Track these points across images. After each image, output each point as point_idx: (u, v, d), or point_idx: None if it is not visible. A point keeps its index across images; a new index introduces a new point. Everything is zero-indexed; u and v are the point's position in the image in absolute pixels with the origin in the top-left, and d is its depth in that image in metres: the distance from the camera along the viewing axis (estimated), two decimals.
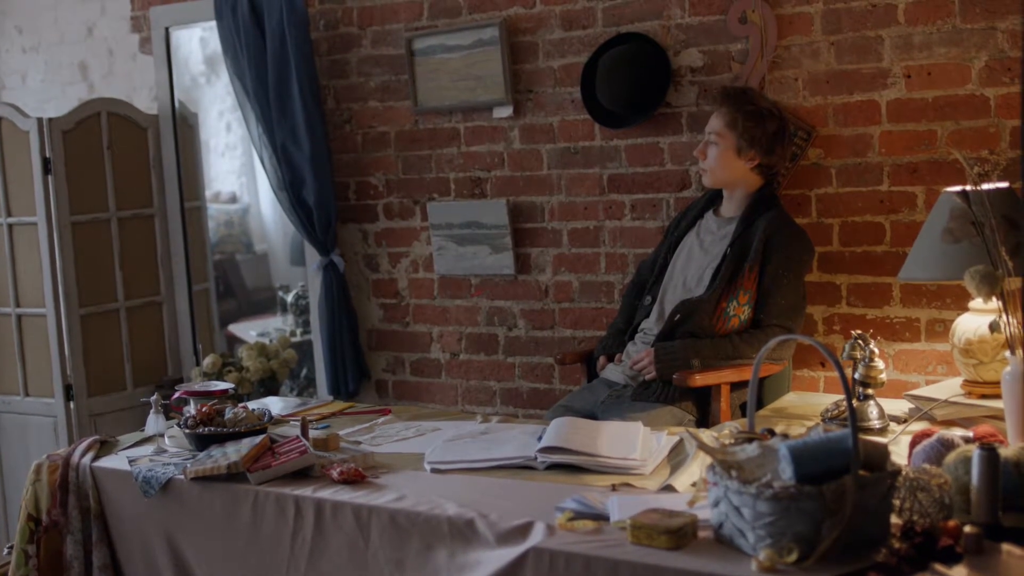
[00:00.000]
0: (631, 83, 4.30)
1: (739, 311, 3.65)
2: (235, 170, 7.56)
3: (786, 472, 2.20)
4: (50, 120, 5.12)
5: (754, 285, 3.65)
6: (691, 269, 3.82)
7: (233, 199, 7.50)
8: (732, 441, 2.50)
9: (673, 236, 3.99)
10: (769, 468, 2.25)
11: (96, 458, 3.20)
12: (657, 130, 4.38)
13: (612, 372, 3.88)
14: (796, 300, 3.71)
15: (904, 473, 2.24)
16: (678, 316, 3.68)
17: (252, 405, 3.43)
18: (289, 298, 6.61)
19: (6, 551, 3.86)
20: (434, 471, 2.88)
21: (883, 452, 2.26)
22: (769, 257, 3.64)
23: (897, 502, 2.23)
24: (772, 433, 2.51)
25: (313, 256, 5.15)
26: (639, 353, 3.72)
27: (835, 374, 3.99)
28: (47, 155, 5.09)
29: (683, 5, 4.27)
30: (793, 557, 2.09)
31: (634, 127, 4.39)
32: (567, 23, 4.52)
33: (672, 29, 4.30)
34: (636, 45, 4.32)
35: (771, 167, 3.79)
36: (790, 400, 3.86)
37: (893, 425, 3.21)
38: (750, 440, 2.42)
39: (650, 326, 3.83)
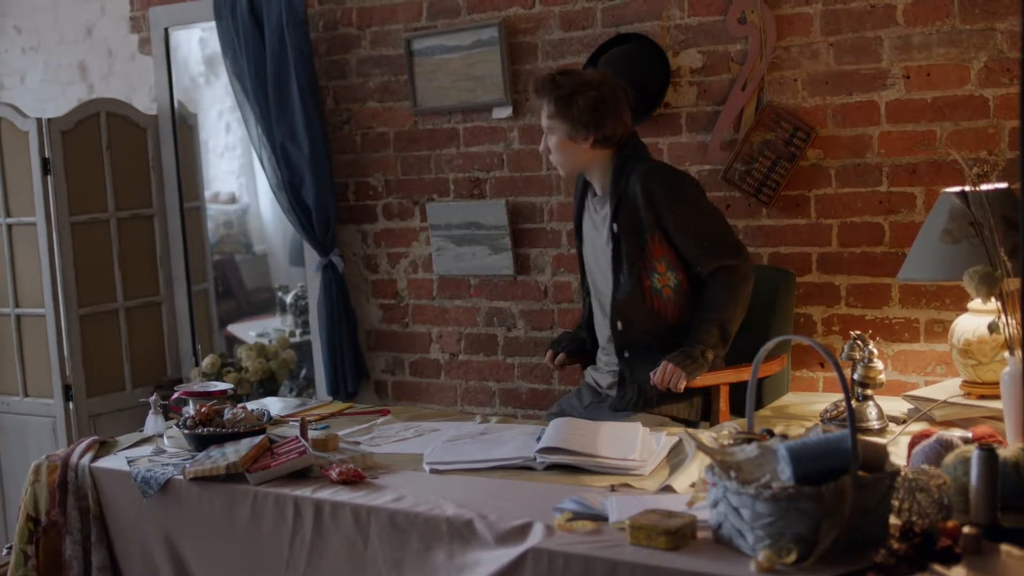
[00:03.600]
0: (630, 84, 4.29)
1: (663, 280, 3.49)
2: (234, 171, 7.55)
3: (785, 473, 2.20)
4: (49, 120, 5.12)
5: (666, 249, 3.48)
6: (599, 257, 3.65)
7: (232, 199, 7.50)
8: (731, 442, 2.50)
9: (577, 227, 3.82)
10: (768, 469, 2.25)
11: (95, 459, 3.20)
12: (656, 130, 4.38)
13: (597, 375, 3.78)
14: (719, 229, 3.53)
15: (903, 474, 2.24)
16: (620, 324, 3.54)
17: (251, 406, 3.43)
18: (288, 299, 6.61)
19: (5, 551, 3.86)
20: (433, 471, 2.88)
21: (882, 453, 2.26)
22: (661, 214, 3.46)
23: (896, 503, 2.23)
24: (771, 434, 2.51)
25: (312, 257, 5.15)
26: (655, 374, 3.41)
27: (834, 374, 4.00)
28: (46, 155, 5.09)
29: (682, 6, 4.28)
30: (792, 558, 2.09)
31: (633, 127, 4.38)
32: (566, 24, 4.52)
33: (671, 30, 4.30)
34: (635, 46, 4.32)
35: (613, 136, 3.53)
36: (789, 400, 3.86)
37: (892, 426, 3.21)
38: (749, 440, 2.42)
39: (599, 324, 3.70)
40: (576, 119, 3.49)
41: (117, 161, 5.36)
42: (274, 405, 3.75)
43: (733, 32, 4.18)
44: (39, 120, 5.11)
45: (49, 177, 5.09)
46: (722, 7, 4.19)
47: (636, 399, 3.53)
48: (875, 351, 3.25)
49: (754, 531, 2.15)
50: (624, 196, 3.51)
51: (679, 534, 2.24)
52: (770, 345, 2.44)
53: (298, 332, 6.30)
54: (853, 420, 2.17)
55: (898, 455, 2.62)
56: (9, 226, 5.24)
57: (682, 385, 3.39)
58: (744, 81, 4.16)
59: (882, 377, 3.24)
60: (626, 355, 3.55)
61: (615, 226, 3.52)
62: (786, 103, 4.10)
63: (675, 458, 2.84)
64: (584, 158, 3.57)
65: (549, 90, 3.53)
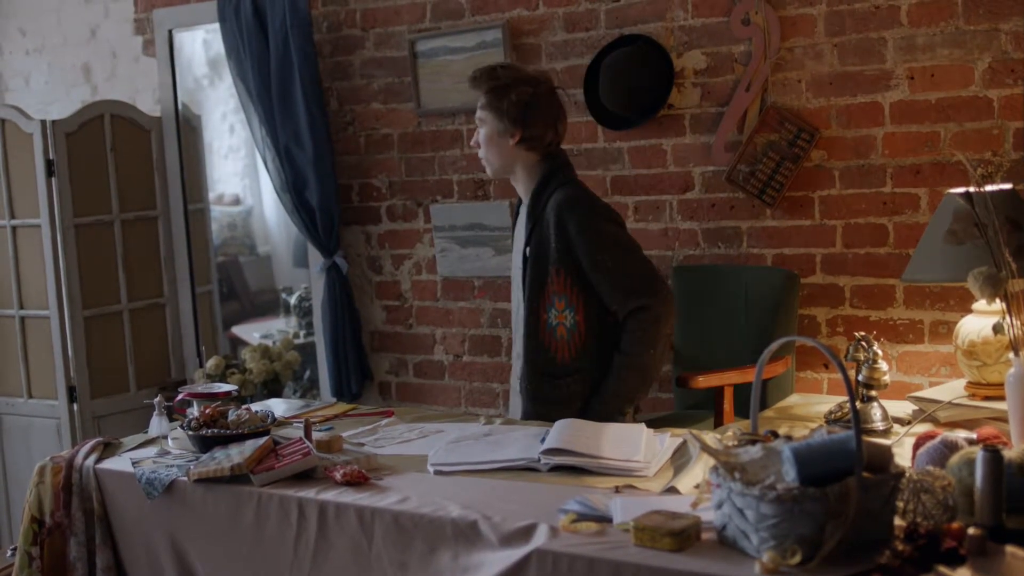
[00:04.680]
0: (634, 85, 4.30)
1: (560, 318, 3.36)
2: (238, 172, 7.57)
3: (789, 474, 2.19)
4: (54, 122, 5.13)
5: (568, 288, 3.35)
6: (516, 272, 3.55)
7: (236, 201, 7.51)
8: (735, 443, 2.50)
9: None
10: (772, 470, 2.24)
11: (99, 460, 3.20)
12: (660, 132, 4.38)
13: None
14: (634, 266, 3.38)
15: (908, 475, 2.24)
16: (522, 347, 3.46)
17: (255, 407, 3.42)
18: (292, 300, 6.62)
19: (9, 553, 3.86)
20: (437, 473, 2.87)
21: (887, 454, 2.25)
22: (573, 248, 3.33)
23: (901, 504, 2.22)
24: (775, 435, 2.50)
25: (316, 258, 5.15)
26: None
27: (838, 376, 4.00)
28: (51, 157, 5.10)
29: (686, 7, 4.28)
30: (796, 559, 2.08)
31: (637, 129, 4.40)
32: (570, 25, 4.52)
33: (675, 31, 4.30)
34: (639, 47, 4.32)
35: (538, 139, 3.41)
36: (793, 401, 3.86)
37: (896, 427, 3.20)
38: (753, 442, 2.42)
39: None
40: (506, 112, 3.38)
41: (121, 163, 5.37)
42: (278, 406, 3.74)
43: (737, 33, 4.18)
44: (43, 122, 5.11)
45: (53, 179, 5.10)
46: (726, 8, 4.19)
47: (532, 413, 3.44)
48: (879, 352, 3.24)
49: (758, 532, 2.14)
50: (539, 221, 3.40)
51: (683, 535, 2.24)
52: (774, 346, 2.43)
53: (302, 333, 6.30)
54: (858, 421, 2.16)
55: (902, 456, 2.61)
56: (13, 228, 5.25)
57: None
58: (748, 82, 4.15)
59: (886, 378, 3.23)
60: (524, 382, 3.47)
61: (528, 249, 3.43)
62: (790, 104, 4.10)
63: (679, 459, 2.84)
64: (509, 157, 3.44)
65: (485, 80, 3.43)
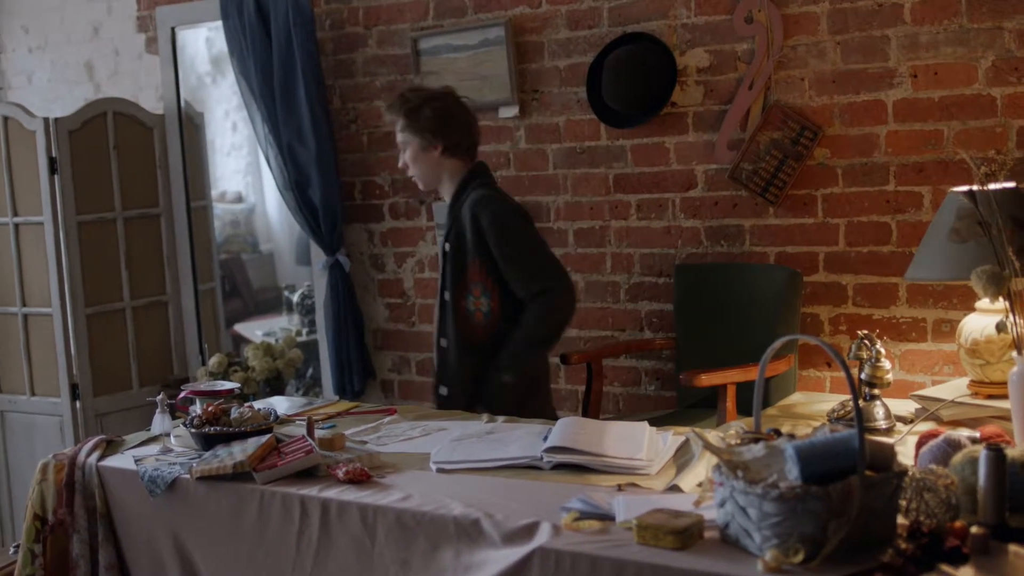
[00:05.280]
0: (637, 83, 4.30)
1: (477, 304, 3.68)
2: (241, 170, 7.56)
3: (792, 472, 2.19)
4: (56, 120, 5.13)
5: (485, 276, 3.66)
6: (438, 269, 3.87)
7: (239, 199, 7.51)
8: (738, 441, 2.50)
9: None
10: (775, 468, 2.24)
11: (102, 457, 3.20)
12: (663, 130, 4.38)
13: None
14: (538, 257, 3.68)
15: (911, 474, 2.23)
16: (442, 340, 3.76)
17: (258, 404, 3.42)
18: (295, 298, 6.62)
19: (12, 550, 3.86)
20: (440, 471, 2.87)
21: (889, 452, 2.25)
22: (486, 240, 3.63)
23: (903, 503, 2.22)
24: (778, 433, 2.50)
25: (319, 256, 5.15)
26: None
27: (841, 374, 3.99)
28: (53, 155, 5.10)
29: (689, 5, 4.27)
30: (799, 557, 2.08)
31: (640, 127, 4.39)
32: (573, 23, 4.52)
33: (678, 29, 4.30)
34: (642, 45, 4.32)
35: (459, 145, 3.74)
36: (796, 400, 3.86)
37: (899, 425, 3.20)
38: (756, 440, 2.42)
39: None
40: (424, 128, 3.71)
41: (124, 160, 5.37)
42: (280, 404, 3.74)
43: (740, 31, 4.18)
44: (46, 119, 5.11)
45: (56, 176, 5.10)
46: (729, 6, 4.19)
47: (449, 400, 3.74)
48: (882, 351, 3.24)
49: (761, 531, 2.14)
50: (457, 218, 3.72)
51: (686, 534, 2.24)
52: (777, 344, 2.43)
53: (304, 331, 6.30)
54: (861, 420, 2.16)
55: (905, 455, 2.61)
56: (16, 225, 5.25)
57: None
58: (751, 80, 4.15)
59: (889, 377, 3.23)
60: (442, 369, 3.79)
61: (447, 245, 3.74)
62: (793, 102, 4.10)
63: (682, 457, 2.83)
64: (436, 167, 3.76)
65: (399, 105, 3.76)
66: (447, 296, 3.73)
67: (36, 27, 6.18)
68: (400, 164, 3.83)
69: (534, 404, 3.72)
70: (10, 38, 6.30)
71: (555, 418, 3.60)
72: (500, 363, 3.66)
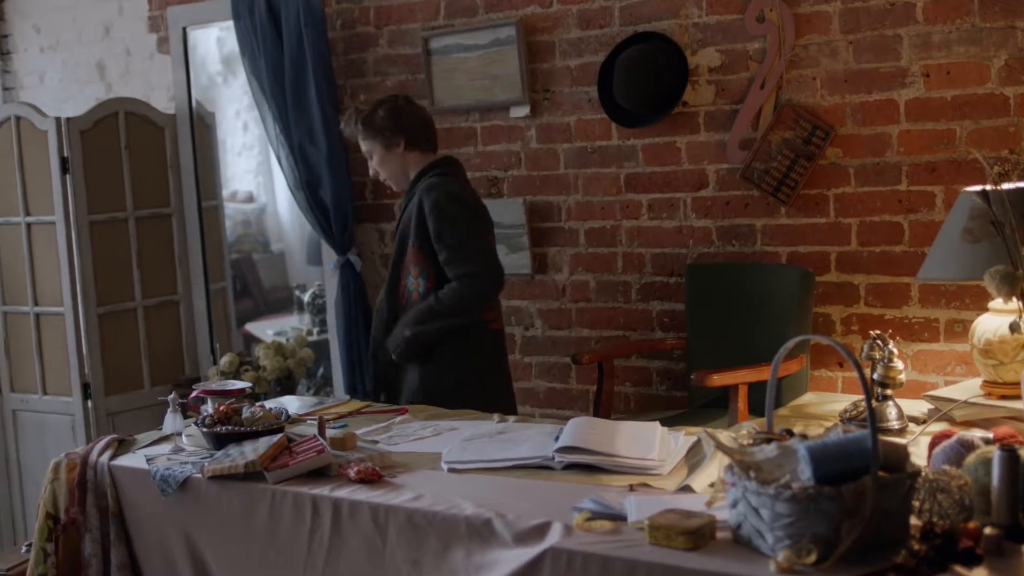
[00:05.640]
0: (648, 82, 4.29)
1: (416, 284, 3.85)
2: (252, 169, 7.57)
3: (805, 473, 2.19)
4: (68, 120, 5.14)
5: (423, 259, 3.81)
6: None
7: (250, 198, 7.51)
8: (750, 441, 2.49)
9: None
10: (788, 469, 2.24)
11: (114, 457, 3.20)
12: (674, 129, 4.37)
13: None
14: (471, 246, 3.79)
15: (924, 474, 2.23)
16: (384, 309, 3.97)
17: (269, 404, 3.43)
18: (306, 297, 6.62)
19: (24, 549, 3.87)
20: (451, 471, 2.87)
21: (902, 453, 2.24)
22: (426, 223, 3.78)
23: (917, 503, 2.21)
24: (791, 433, 2.50)
25: (330, 255, 5.15)
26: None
27: (853, 374, 3.98)
28: (65, 154, 5.11)
29: (700, 4, 4.27)
30: (812, 558, 2.08)
31: (651, 126, 4.39)
32: (584, 22, 4.52)
33: (689, 28, 4.29)
34: (653, 44, 4.31)
35: (420, 136, 3.92)
36: (808, 400, 3.85)
37: (912, 426, 3.19)
38: (768, 440, 2.41)
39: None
40: (382, 128, 3.88)
41: (135, 160, 5.38)
42: (291, 404, 3.74)
43: (751, 30, 4.17)
44: (58, 119, 5.13)
45: (68, 176, 5.11)
46: (740, 6, 4.18)
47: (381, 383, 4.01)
48: (895, 351, 3.23)
49: (774, 531, 2.14)
50: (408, 205, 3.90)
51: (698, 534, 2.23)
52: (790, 345, 2.42)
53: (315, 331, 6.30)
54: (873, 420, 2.15)
55: (918, 456, 2.60)
56: (28, 225, 5.26)
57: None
58: (763, 79, 4.14)
59: (902, 377, 3.22)
60: (381, 335, 3.98)
61: (397, 229, 3.93)
62: (805, 101, 4.09)
63: (693, 458, 2.83)
64: (402, 163, 3.93)
65: (354, 117, 3.94)
66: (390, 275, 3.93)
67: (48, 27, 6.19)
68: (371, 173, 3.99)
69: (486, 393, 3.84)
70: (22, 38, 6.31)
71: (514, 410, 3.83)
72: (406, 319, 3.83)
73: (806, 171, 4.10)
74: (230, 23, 5.20)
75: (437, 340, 3.80)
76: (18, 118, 5.23)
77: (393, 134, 3.88)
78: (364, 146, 3.95)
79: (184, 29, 5.58)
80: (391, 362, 3.93)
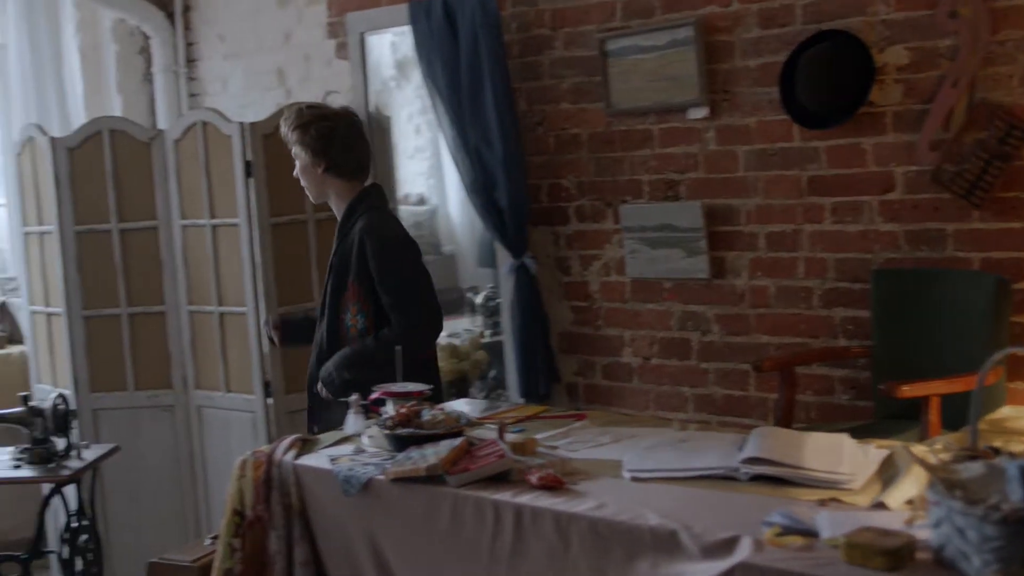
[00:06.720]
0: (833, 82, 4.18)
1: (353, 321, 3.85)
2: (423, 172, 7.66)
3: (1016, 493, 2.08)
4: (251, 124, 5.26)
5: (361, 299, 3.82)
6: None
7: (421, 201, 7.61)
8: (951, 458, 2.38)
9: None
10: (996, 488, 2.13)
11: (298, 456, 3.26)
12: (859, 130, 4.23)
13: None
14: (409, 292, 3.79)
15: None
16: (321, 350, 3.95)
17: (445, 407, 3.44)
18: (478, 299, 6.66)
19: (208, 541, 3.99)
20: (634, 479, 2.83)
21: None
22: (368, 265, 3.79)
23: None
24: (996, 451, 2.38)
25: (505, 258, 5.15)
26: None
27: None
28: (248, 158, 5.23)
29: (888, 0, 4.12)
30: None
31: (835, 127, 4.26)
32: (765, 21, 4.42)
33: (876, 25, 4.16)
34: (838, 42, 4.19)
35: (343, 166, 3.89)
36: (1006, 414, 3.68)
37: None
38: (972, 457, 2.30)
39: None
40: (309, 145, 3.87)
41: None
42: (463, 407, 3.75)
43: (942, 27, 4.01)
44: (241, 124, 5.25)
45: (251, 179, 5.23)
46: (931, 1, 4.02)
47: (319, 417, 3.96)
48: None
49: (981, 554, 2.03)
50: (345, 239, 3.88)
51: (898, 554, 2.14)
52: (998, 356, 2.32)
53: (487, 333, 6.33)
54: None
55: None
56: (214, 227, 5.40)
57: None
58: (955, 78, 3.98)
59: None
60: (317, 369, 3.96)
61: (334, 259, 3.91)
62: (1000, 100, 3.91)
63: (886, 472, 2.72)
64: (320, 184, 3.93)
65: (293, 120, 3.92)
66: (327, 311, 3.92)
67: (231, 36, 6.38)
68: (294, 173, 3.99)
69: None
70: (207, 46, 6.52)
71: None
72: (344, 359, 3.82)
73: (1001, 173, 3.92)
74: (404, 29, 5.25)
75: (374, 381, 3.69)
76: (204, 123, 5.38)
77: (316, 155, 3.87)
78: (292, 148, 3.96)
79: (362, 35, 5.67)
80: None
